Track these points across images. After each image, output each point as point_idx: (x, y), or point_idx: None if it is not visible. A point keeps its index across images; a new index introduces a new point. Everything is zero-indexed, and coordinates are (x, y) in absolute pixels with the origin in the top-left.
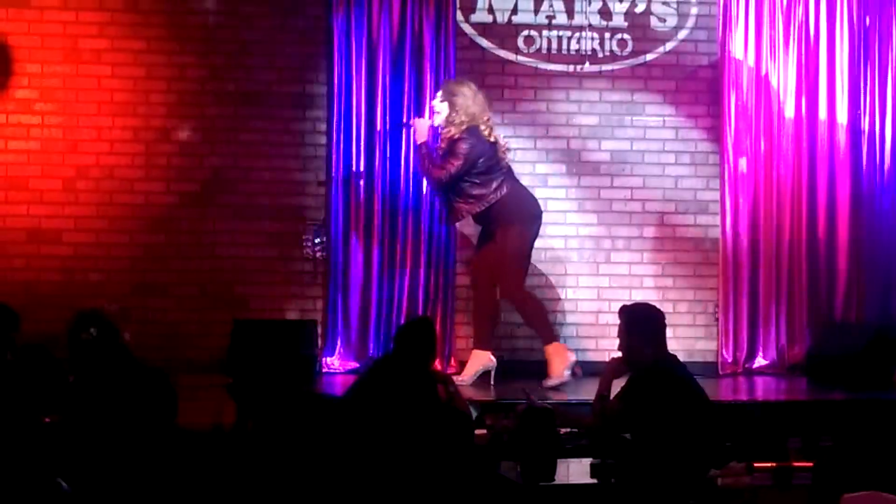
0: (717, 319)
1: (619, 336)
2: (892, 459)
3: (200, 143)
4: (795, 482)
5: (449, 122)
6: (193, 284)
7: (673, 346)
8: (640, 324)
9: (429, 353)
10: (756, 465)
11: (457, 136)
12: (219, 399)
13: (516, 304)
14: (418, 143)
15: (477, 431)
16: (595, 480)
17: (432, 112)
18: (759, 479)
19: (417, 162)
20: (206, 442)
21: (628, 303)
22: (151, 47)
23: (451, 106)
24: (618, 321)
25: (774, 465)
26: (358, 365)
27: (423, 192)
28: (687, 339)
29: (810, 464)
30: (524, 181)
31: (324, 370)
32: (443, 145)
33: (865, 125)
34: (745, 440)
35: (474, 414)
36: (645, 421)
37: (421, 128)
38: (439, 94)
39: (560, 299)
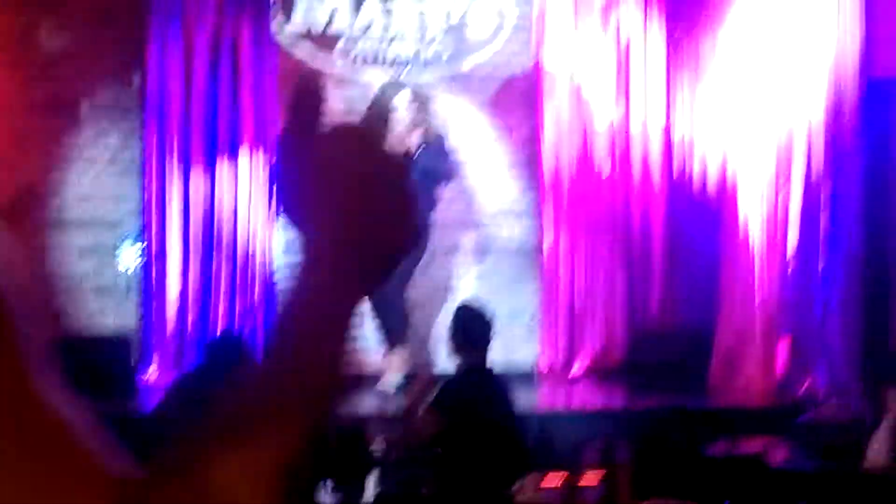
0: (535, 327)
1: None
2: (686, 468)
3: (13, 155)
4: (586, 496)
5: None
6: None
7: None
8: (460, 326)
9: (235, 369)
10: (549, 476)
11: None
12: None
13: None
14: None
15: None
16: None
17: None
18: (550, 494)
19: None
20: None
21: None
22: None
23: (422, 108)
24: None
25: (566, 476)
26: (177, 378)
27: (238, 200)
28: (505, 348)
29: (600, 474)
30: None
31: (141, 385)
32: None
33: (677, 134)
34: (548, 450)
35: None
36: (455, 429)
37: None
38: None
39: None
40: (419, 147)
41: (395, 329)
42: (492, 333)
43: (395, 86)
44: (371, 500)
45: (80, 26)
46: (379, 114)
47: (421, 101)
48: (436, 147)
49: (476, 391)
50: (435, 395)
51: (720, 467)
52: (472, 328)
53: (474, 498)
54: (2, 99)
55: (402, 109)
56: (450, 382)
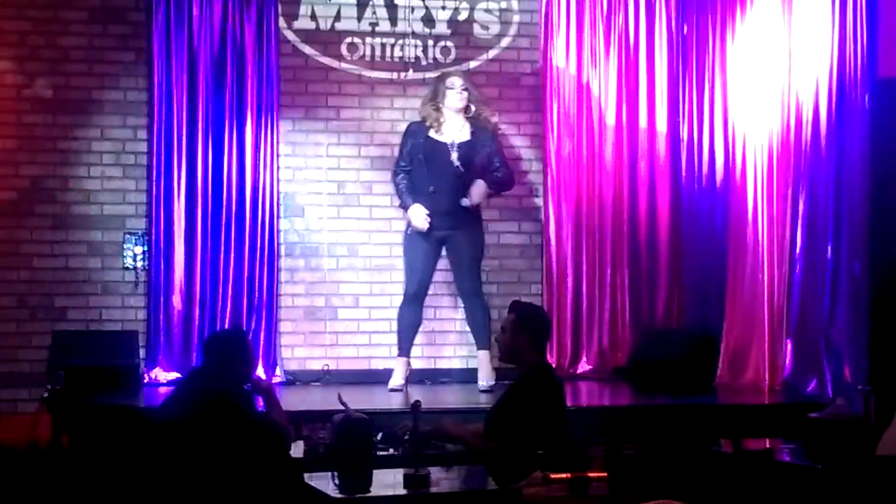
0: None
1: (504, 330)
2: (690, 466)
3: (17, 151)
4: (592, 492)
5: (481, 109)
6: (11, 295)
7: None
8: (534, 324)
9: (240, 364)
10: (552, 475)
11: (498, 130)
12: (36, 413)
13: (481, 305)
14: (480, 201)
15: (295, 443)
16: (406, 491)
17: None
18: (556, 489)
19: (497, 187)
20: (21, 459)
21: (521, 300)
22: None
23: (479, 93)
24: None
25: (570, 475)
26: (181, 375)
27: (245, 201)
28: None
29: (605, 474)
30: (349, 188)
31: (146, 381)
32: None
33: (684, 133)
34: (554, 446)
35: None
36: (525, 420)
37: (480, 189)
38: (460, 82)
39: (387, 307)
40: (472, 130)
41: (408, 335)
42: None
43: (452, 70)
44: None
45: (86, 24)
46: (437, 91)
47: (474, 88)
48: (493, 136)
49: (553, 383)
50: (513, 385)
51: (727, 465)
52: (548, 328)
53: (487, 491)
54: (8, 96)
55: (458, 89)
56: (527, 373)
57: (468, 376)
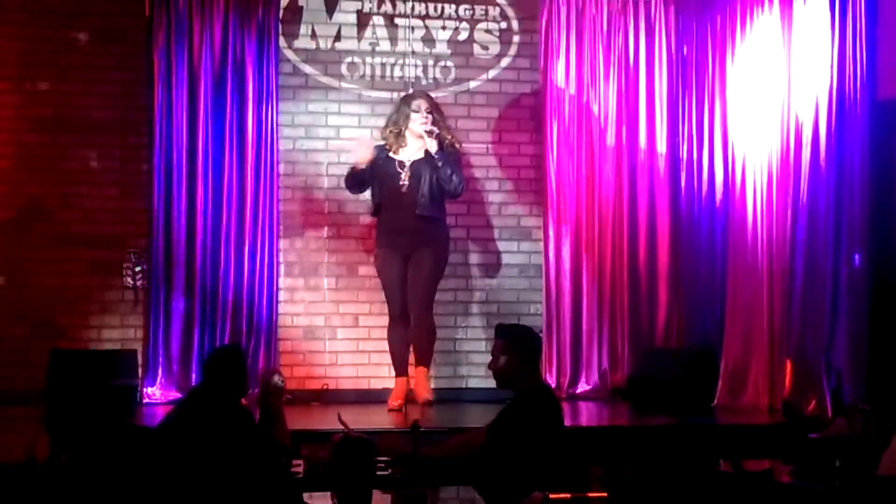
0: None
1: (494, 354)
2: (690, 486)
3: (16, 170)
4: None
5: (442, 132)
6: (9, 314)
7: None
8: (522, 345)
9: (237, 382)
10: (552, 496)
11: (457, 146)
12: (34, 431)
13: (428, 323)
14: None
15: (294, 461)
16: None
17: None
18: None
19: (448, 174)
20: (18, 476)
21: (505, 322)
22: None
23: (442, 116)
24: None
25: (570, 495)
26: (180, 395)
27: (245, 220)
28: None
29: (605, 494)
30: (348, 207)
31: (145, 401)
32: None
33: (684, 154)
34: (553, 467)
35: None
36: (517, 442)
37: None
38: (426, 105)
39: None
40: (435, 152)
41: (402, 355)
42: None
43: (418, 93)
44: None
45: (87, 43)
46: (399, 114)
47: (439, 110)
48: (450, 154)
49: (550, 404)
50: (508, 406)
51: (726, 486)
52: (538, 347)
53: None
54: (8, 115)
55: (423, 112)
56: (522, 394)
57: (470, 395)
